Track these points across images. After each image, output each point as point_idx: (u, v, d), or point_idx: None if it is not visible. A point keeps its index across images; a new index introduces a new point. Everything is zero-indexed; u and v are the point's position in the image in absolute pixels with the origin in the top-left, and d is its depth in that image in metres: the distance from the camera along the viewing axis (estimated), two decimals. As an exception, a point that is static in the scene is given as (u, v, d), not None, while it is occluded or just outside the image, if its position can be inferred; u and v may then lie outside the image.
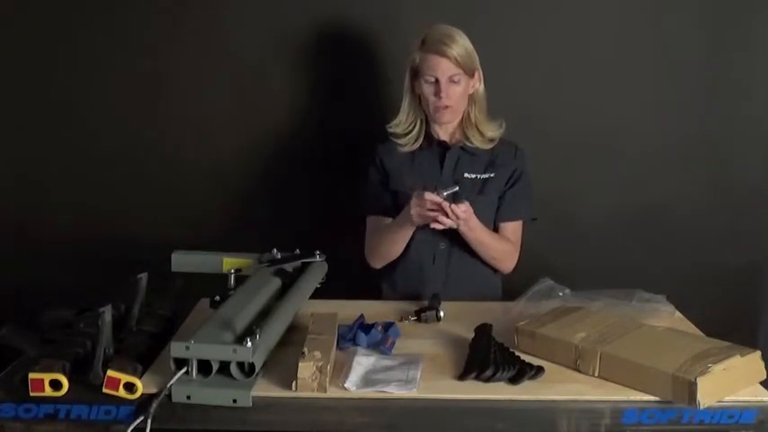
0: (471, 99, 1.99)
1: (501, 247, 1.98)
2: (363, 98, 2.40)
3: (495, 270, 2.04)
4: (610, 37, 2.42)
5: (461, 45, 1.90)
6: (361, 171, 2.06)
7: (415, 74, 1.95)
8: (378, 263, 2.03)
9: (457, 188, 1.81)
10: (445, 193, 1.77)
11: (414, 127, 2.01)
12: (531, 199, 2.05)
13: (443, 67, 1.89)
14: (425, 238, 1.99)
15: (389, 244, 1.97)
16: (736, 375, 1.37)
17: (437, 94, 1.91)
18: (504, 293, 2.06)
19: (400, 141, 2.01)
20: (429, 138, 2.02)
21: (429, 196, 1.75)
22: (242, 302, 1.52)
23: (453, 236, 1.98)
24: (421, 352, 1.55)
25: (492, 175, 1.99)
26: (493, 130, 2.00)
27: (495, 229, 2.01)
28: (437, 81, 1.90)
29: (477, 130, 2.00)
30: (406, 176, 1.98)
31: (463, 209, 1.77)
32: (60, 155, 2.48)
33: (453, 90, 1.91)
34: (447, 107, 1.93)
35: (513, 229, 2.01)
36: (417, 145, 2.02)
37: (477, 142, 2.00)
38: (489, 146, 2.01)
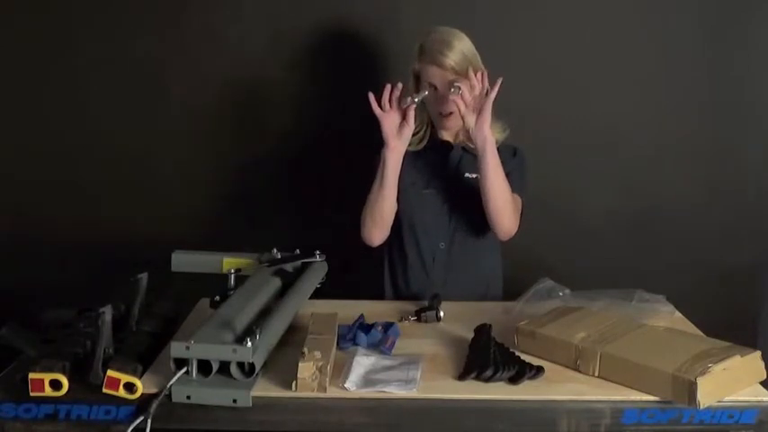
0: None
1: (508, 192, 1.88)
2: (363, 98, 2.40)
3: (491, 267, 2.02)
4: (609, 37, 2.42)
5: (459, 51, 1.87)
6: (370, 165, 2.05)
7: (418, 79, 1.95)
8: (372, 229, 1.95)
9: (426, 92, 1.88)
10: (417, 99, 1.85)
11: (420, 129, 2.00)
12: (525, 183, 2.00)
13: (441, 76, 1.88)
14: (426, 238, 1.99)
15: (378, 190, 1.91)
16: (736, 375, 1.37)
17: (437, 101, 1.91)
18: (504, 293, 2.06)
19: None
20: (433, 138, 2.02)
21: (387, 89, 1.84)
22: (242, 302, 1.52)
23: (453, 236, 1.99)
24: (421, 352, 1.55)
25: (492, 175, 1.98)
26: (496, 133, 1.97)
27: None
28: (437, 89, 1.90)
29: None
30: (408, 174, 1.98)
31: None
32: (60, 155, 2.48)
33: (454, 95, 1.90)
34: (449, 114, 1.93)
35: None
36: (422, 145, 2.02)
37: (479, 144, 1.98)
38: (491, 148, 2.00)
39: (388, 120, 1.86)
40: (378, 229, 1.96)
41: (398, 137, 1.88)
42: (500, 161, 1.88)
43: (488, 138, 1.84)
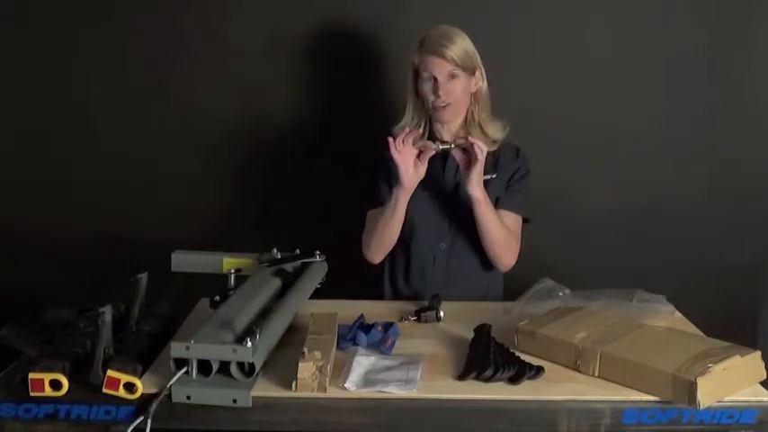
0: (474, 98, 1.97)
1: (504, 232, 1.93)
2: (364, 98, 2.40)
3: (491, 268, 2.02)
4: (609, 37, 2.42)
5: (459, 45, 1.88)
6: (366, 166, 2.05)
7: (416, 75, 1.95)
8: (375, 252, 1.99)
9: (451, 145, 1.89)
10: (441, 147, 1.88)
11: (418, 128, 2.00)
12: (528, 198, 2.03)
13: (441, 66, 1.88)
14: (426, 239, 1.99)
15: (386, 222, 1.92)
16: (736, 375, 1.37)
17: (436, 92, 1.90)
18: (504, 293, 2.06)
19: None
20: (432, 138, 2.01)
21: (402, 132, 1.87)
22: (242, 302, 1.52)
23: (454, 236, 1.99)
24: (421, 352, 1.55)
25: (494, 176, 1.98)
26: (496, 132, 1.98)
27: None
28: (435, 79, 1.90)
29: (481, 130, 1.98)
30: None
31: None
32: (60, 155, 2.48)
33: (452, 86, 1.90)
34: (447, 105, 1.92)
35: (510, 220, 1.98)
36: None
37: (479, 144, 1.99)
38: (492, 148, 1.99)
39: (403, 159, 1.86)
40: (382, 252, 1.99)
41: (413, 176, 1.88)
42: (496, 185, 1.94)
43: (476, 197, 1.87)
